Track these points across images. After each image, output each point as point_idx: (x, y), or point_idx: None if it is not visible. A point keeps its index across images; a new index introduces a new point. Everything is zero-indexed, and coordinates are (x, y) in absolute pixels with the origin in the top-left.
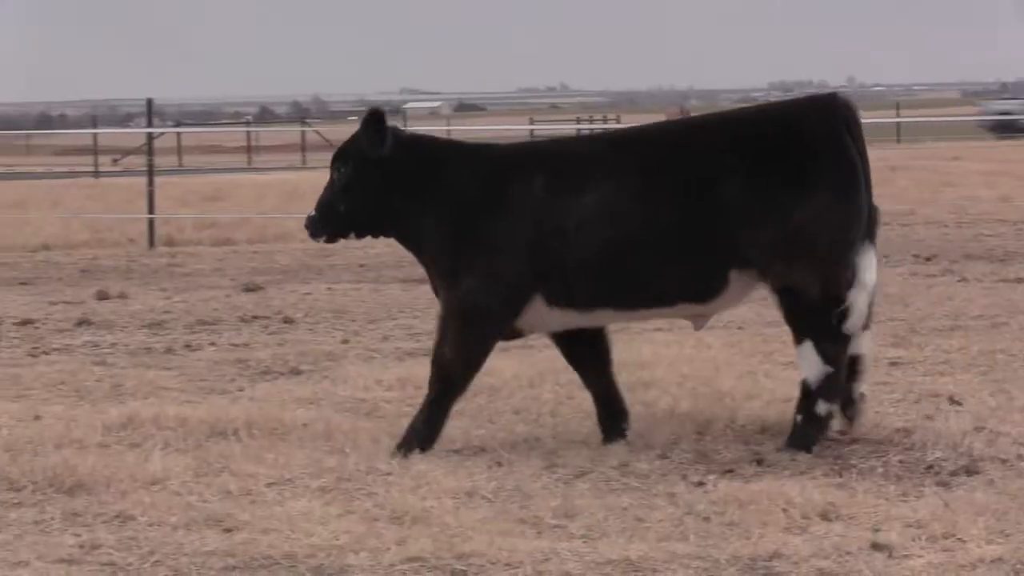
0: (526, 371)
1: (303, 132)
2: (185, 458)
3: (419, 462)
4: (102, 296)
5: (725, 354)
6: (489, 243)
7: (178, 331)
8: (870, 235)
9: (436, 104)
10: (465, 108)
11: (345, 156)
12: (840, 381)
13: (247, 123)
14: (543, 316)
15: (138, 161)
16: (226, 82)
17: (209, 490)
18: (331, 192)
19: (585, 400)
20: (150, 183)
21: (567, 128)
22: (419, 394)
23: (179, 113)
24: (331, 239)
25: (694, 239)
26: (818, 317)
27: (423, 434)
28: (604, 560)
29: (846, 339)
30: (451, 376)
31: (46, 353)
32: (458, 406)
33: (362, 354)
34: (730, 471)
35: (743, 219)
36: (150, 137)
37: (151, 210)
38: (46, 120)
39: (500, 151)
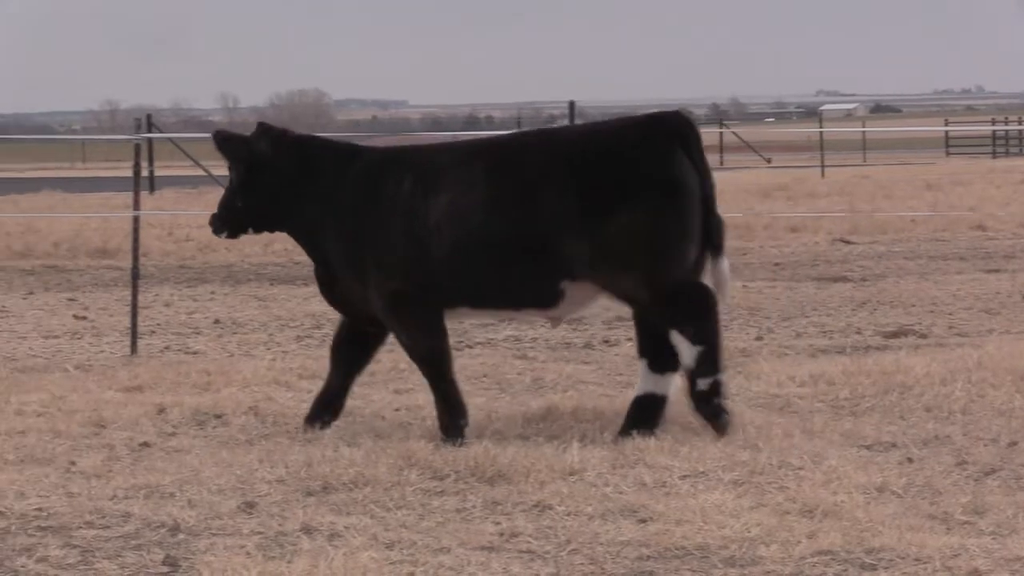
0: (938, 369)
1: (720, 133)
2: (602, 450)
3: (830, 457)
4: None
5: None
6: (377, 237)
7: (596, 326)
8: (715, 248)
9: (852, 106)
10: (881, 110)
11: (239, 157)
12: (718, 352)
13: None
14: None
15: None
16: (646, 83)
17: (625, 481)
18: (229, 191)
19: (996, 398)
20: None
21: (982, 130)
22: (831, 390)
23: (600, 114)
24: (232, 235)
25: (527, 248)
26: (672, 307)
27: (451, 415)
28: (1013, 557)
29: (713, 312)
30: (428, 358)
31: (470, 347)
32: (869, 403)
33: (776, 351)
34: None
35: (567, 231)
36: None
37: None
38: (473, 122)
39: (377, 153)
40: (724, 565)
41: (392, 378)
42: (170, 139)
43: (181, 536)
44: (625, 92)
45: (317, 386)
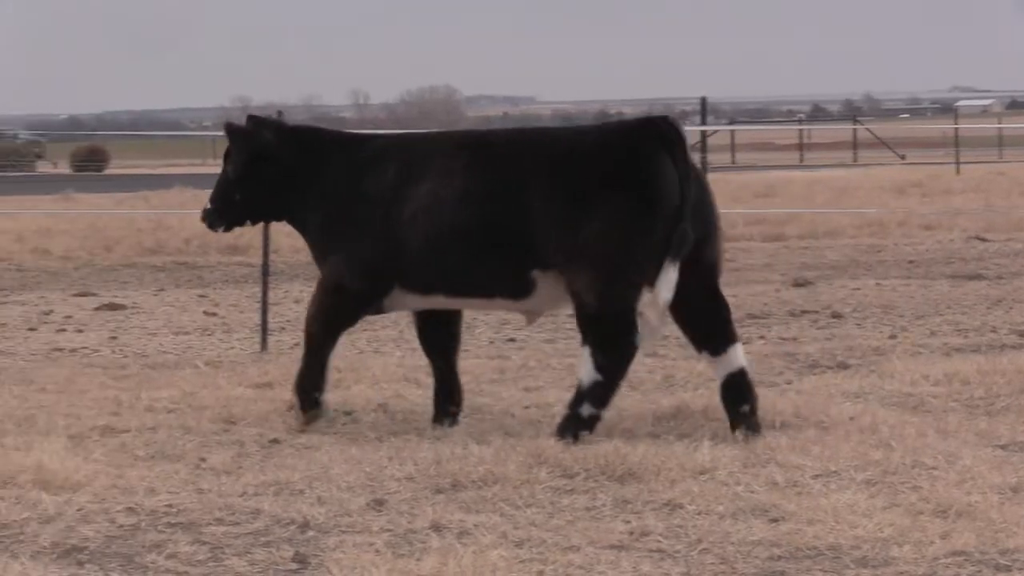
0: None
1: (854, 130)
2: (733, 449)
3: (964, 457)
4: None
5: None
6: (352, 226)
7: None
8: (676, 254)
9: (987, 102)
10: (1017, 106)
11: (247, 148)
12: (612, 391)
13: (799, 121)
14: (398, 296)
15: (693, 157)
16: (779, 80)
17: (756, 480)
18: (225, 184)
19: None
20: None
21: None
22: (966, 389)
23: (733, 111)
24: (228, 228)
25: (501, 239)
26: (596, 327)
27: (305, 386)
28: None
29: (626, 352)
30: (313, 337)
31: None
32: (1004, 402)
33: (909, 349)
34: None
35: (541, 225)
36: (703, 135)
37: None
38: (604, 118)
39: (369, 142)
40: (856, 565)
41: (522, 375)
42: None
43: (310, 533)
44: (757, 88)
45: None
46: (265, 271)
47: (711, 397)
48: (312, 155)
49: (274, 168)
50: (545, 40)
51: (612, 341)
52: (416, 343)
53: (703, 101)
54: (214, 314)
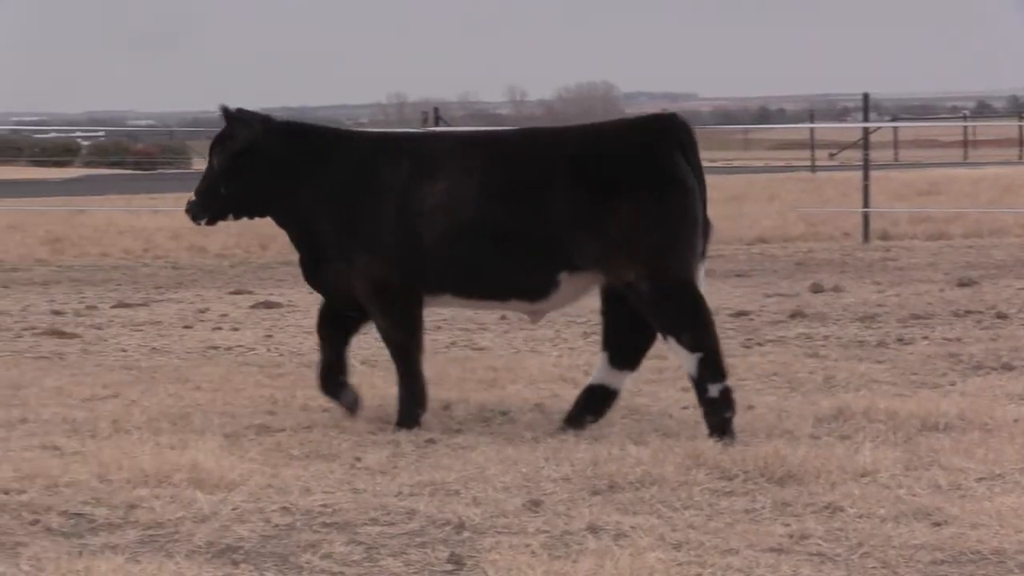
0: None
1: (1020, 126)
2: (895, 451)
3: None
4: (816, 289)
5: None
6: (369, 221)
7: (890, 324)
8: (701, 253)
9: None
10: None
11: (224, 143)
12: (719, 356)
13: (964, 117)
14: None
15: (854, 155)
16: (941, 76)
17: (918, 484)
18: (211, 177)
19: None
20: (865, 177)
21: None
22: None
23: (896, 107)
24: (211, 221)
25: (524, 240)
26: (665, 311)
27: (411, 403)
28: None
29: (705, 316)
30: (400, 344)
31: (759, 344)
32: None
33: None
34: None
35: (570, 225)
36: (866, 132)
37: (866, 204)
38: (765, 115)
39: (372, 138)
40: (1020, 570)
41: (680, 376)
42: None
43: (466, 534)
44: (920, 84)
45: None
46: None
47: (872, 399)
48: (302, 151)
49: (260, 162)
50: (706, 35)
51: (687, 314)
52: (572, 343)
53: (865, 97)
54: None
